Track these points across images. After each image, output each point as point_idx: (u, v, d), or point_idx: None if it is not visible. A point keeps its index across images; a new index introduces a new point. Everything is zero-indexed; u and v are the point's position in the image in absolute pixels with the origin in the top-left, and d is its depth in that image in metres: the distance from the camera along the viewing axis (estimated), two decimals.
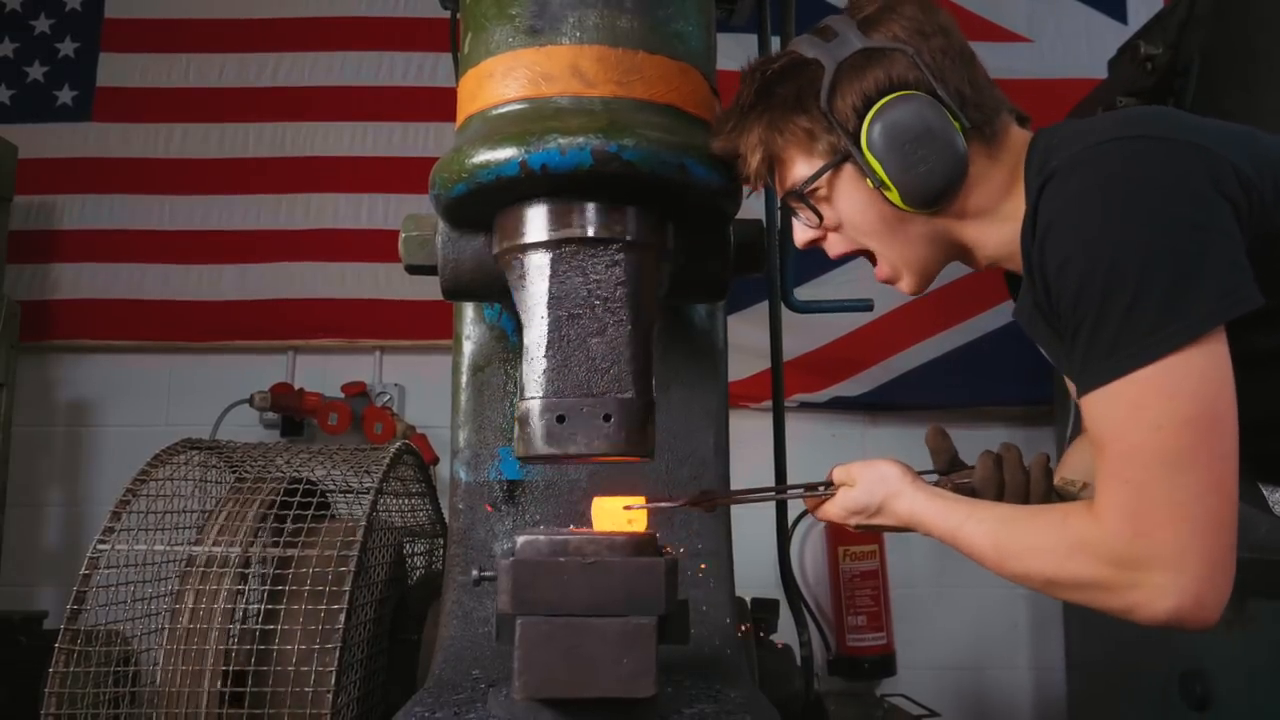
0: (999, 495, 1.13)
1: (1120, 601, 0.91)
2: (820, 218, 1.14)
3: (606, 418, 1.08)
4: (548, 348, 1.10)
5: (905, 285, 1.17)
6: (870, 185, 1.08)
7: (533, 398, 1.10)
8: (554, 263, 1.12)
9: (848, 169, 1.10)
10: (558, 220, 1.13)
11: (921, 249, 1.13)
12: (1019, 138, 1.11)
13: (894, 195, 1.07)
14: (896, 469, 1.13)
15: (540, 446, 1.09)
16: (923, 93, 1.05)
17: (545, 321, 1.11)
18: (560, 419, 1.08)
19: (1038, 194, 0.97)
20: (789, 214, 1.24)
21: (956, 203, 1.09)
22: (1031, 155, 1.07)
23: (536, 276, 1.13)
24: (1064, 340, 0.98)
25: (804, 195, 1.13)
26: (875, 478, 1.13)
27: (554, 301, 1.11)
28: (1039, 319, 1.05)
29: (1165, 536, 0.88)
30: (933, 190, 1.06)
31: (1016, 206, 1.07)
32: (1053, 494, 1.18)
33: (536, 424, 1.09)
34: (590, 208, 1.13)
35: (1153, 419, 0.88)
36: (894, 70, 1.06)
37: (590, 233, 1.12)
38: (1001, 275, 1.34)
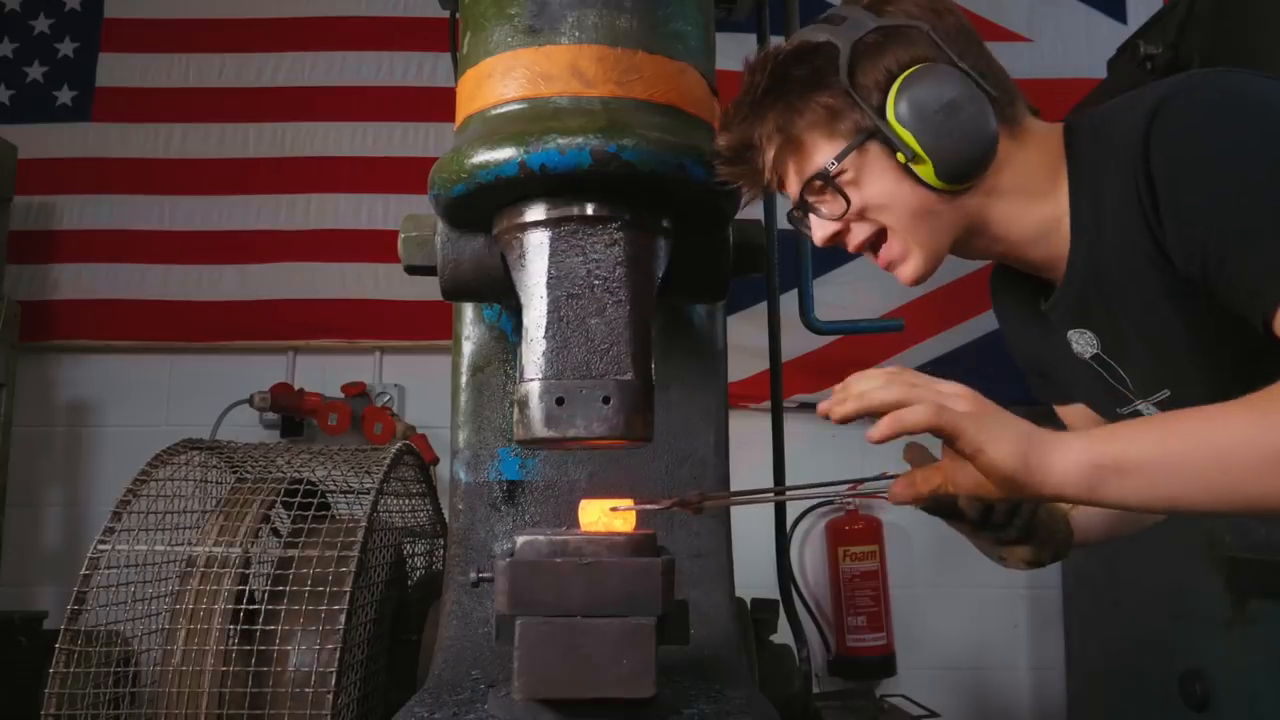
0: (984, 515, 1.07)
1: None
2: (848, 203, 1.07)
3: (605, 400, 1.08)
4: (547, 328, 1.09)
5: (909, 268, 1.10)
6: (899, 162, 1.03)
7: (532, 379, 1.09)
8: (553, 241, 1.12)
9: (874, 148, 1.05)
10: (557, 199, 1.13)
11: (943, 231, 1.08)
12: (1040, 125, 1.09)
13: (927, 169, 1.02)
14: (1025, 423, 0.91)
15: (539, 430, 1.08)
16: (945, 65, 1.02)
17: (544, 302, 1.10)
18: (559, 401, 1.08)
19: (1146, 127, 0.93)
20: (802, 225, 1.15)
21: (987, 179, 1.05)
22: (1076, 134, 1.06)
23: (535, 255, 1.13)
24: (1191, 267, 0.93)
25: (831, 178, 1.06)
26: (1001, 429, 0.88)
27: (553, 281, 1.11)
28: (1143, 263, 0.97)
29: None
30: (967, 162, 1.02)
31: (1056, 188, 1.05)
32: (1041, 513, 1.13)
33: (535, 406, 1.08)
34: None
35: None
36: (914, 46, 1.03)
37: (589, 211, 1.12)
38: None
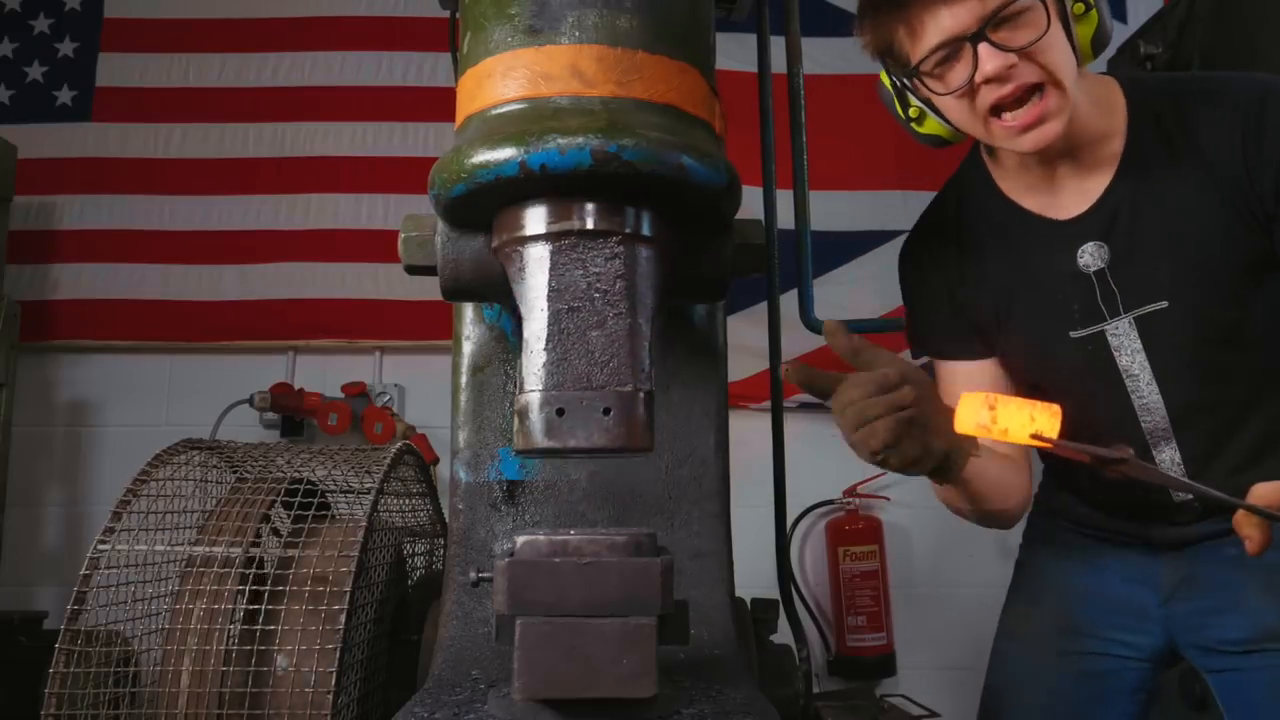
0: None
1: None
2: (1048, 25, 1.13)
3: (606, 411, 1.08)
4: (547, 340, 1.10)
5: (1057, 125, 1.18)
6: (1067, 15, 1.17)
7: (532, 391, 1.09)
8: (553, 255, 1.12)
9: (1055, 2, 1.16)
10: (557, 213, 1.13)
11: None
12: None
13: (1089, 28, 1.18)
14: None
15: (539, 440, 1.08)
16: None
17: (545, 314, 1.11)
18: (559, 412, 1.08)
19: (1258, 108, 1.15)
20: (954, 62, 1.20)
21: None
22: (1133, 81, 1.26)
23: (536, 269, 1.13)
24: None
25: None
26: None
27: (554, 294, 1.11)
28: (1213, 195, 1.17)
29: None
30: (1107, 36, 1.20)
31: (1111, 105, 1.25)
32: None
33: (536, 417, 1.08)
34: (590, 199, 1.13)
35: None
36: None
37: (590, 225, 1.12)
38: None
